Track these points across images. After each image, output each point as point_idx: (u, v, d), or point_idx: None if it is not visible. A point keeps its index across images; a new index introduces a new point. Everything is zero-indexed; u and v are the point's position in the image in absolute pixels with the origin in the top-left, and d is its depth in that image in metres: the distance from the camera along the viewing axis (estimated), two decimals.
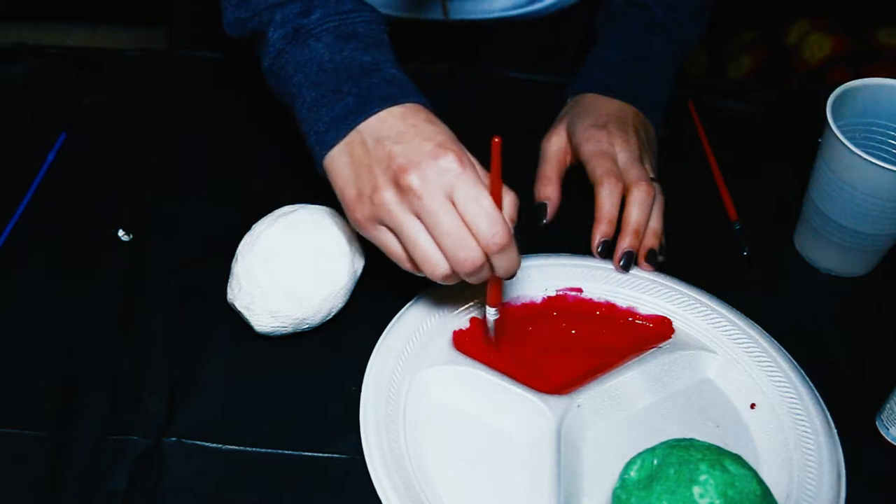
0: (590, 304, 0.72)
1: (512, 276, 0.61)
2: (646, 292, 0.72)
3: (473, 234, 0.57)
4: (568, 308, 0.72)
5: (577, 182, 0.83)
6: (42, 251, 0.75)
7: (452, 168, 0.57)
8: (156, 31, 1.34)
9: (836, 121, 0.71)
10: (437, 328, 0.69)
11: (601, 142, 0.74)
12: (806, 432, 0.63)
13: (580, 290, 0.73)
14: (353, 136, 0.61)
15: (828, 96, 0.72)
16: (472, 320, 0.70)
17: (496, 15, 0.93)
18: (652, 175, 0.75)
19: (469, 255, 0.57)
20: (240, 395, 0.66)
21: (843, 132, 0.70)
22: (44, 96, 0.89)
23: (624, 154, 0.74)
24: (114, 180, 0.81)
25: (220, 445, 0.63)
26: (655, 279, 0.72)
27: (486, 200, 0.57)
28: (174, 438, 0.63)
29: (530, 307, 0.72)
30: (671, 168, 0.81)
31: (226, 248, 0.75)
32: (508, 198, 0.60)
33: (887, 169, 0.68)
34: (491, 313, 0.66)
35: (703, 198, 0.84)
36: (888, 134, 0.76)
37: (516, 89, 0.93)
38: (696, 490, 0.52)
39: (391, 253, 0.61)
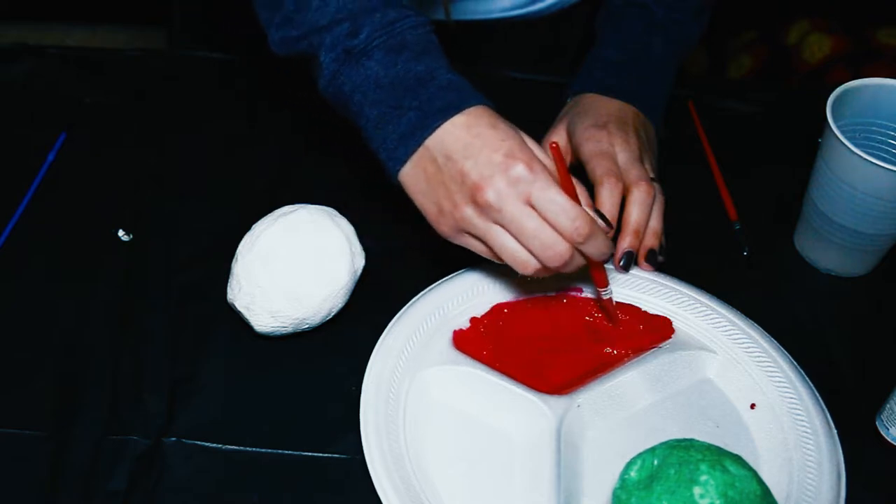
0: (591, 303, 0.72)
1: (607, 259, 0.65)
2: (646, 292, 0.72)
3: (558, 231, 0.60)
4: (569, 308, 0.72)
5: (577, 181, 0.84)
6: (42, 251, 0.75)
7: (524, 176, 0.59)
8: (156, 31, 1.34)
9: (836, 121, 0.71)
10: (437, 328, 0.69)
11: (601, 141, 0.74)
12: (806, 432, 0.63)
13: (580, 290, 0.73)
14: (422, 153, 0.62)
15: (828, 96, 0.72)
16: (472, 320, 0.70)
17: (497, 15, 0.93)
18: (652, 175, 0.75)
19: (557, 252, 0.60)
20: (240, 395, 0.66)
21: (843, 132, 0.70)
22: (44, 96, 0.89)
23: (624, 154, 0.74)
24: (114, 180, 0.81)
25: (220, 445, 0.63)
26: (655, 279, 0.72)
27: (562, 198, 0.59)
28: (174, 438, 0.63)
29: (531, 306, 0.71)
30: (671, 168, 0.81)
31: (226, 248, 0.75)
32: (580, 189, 0.64)
33: (887, 169, 0.68)
34: (605, 293, 0.69)
35: (703, 198, 0.84)
36: (888, 134, 0.76)
37: (516, 89, 0.93)
38: (697, 490, 0.52)
39: (482, 254, 0.64)
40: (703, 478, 0.52)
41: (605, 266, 0.68)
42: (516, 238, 0.60)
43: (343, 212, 0.76)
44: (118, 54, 0.94)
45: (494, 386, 0.65)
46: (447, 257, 0.73)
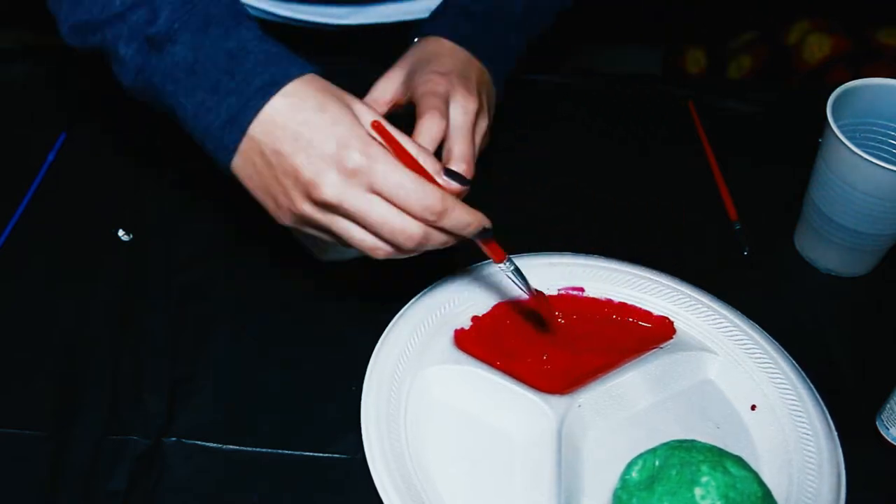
0: (591, 303, 0.72)
1: (476, 230, 0.58)
2: (647, 292, 0.72)
3: (409, 214, 0.55)
4: (569, 307, 0.72)
5: (578, 181, 0.84)
6: (42, 251, 0.75)
7: (361, 166, 0.54)
8: None
9: (836, 121, 0.71)
10: (438, 327, 0.69)
11: (439, 85, 0.66)
12: (806, 434, 0.63)
13: (582, 290, 0.73)
14: (248, 143, 0.57)
15: (828, 96, 0.72)
16: (473, 319, 0.70)
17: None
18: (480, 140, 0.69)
19: (408, 234, 0.55)
20: (240, 395, 0.66)
21: (843, 132, 0.70)
22: (44, 96, 0.89)
23: (459, 107, 0.66)
24: (114, 180, 0.81)
25: (220, 445, 0.63)
26: (656, 279, 0.72)
27: (405, 177, 0.55)
28: (174, 438, 0.63)
29: (532, 306, 0.72)
30: (671, 168, 0.81)
31: (226, 248, 0.76)
32: (424, 157, 0.58)
33: (887, 169, 0.68)
34: (503, 268, 0.63)
35: (703, 198, 0.84)
36: (888, 134, 0.76)
37: (516, 89, 0.93)
38: (698, 491, 0.52)
39: (330, 241, 0.59)
40: (705, 479, 0.52)
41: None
42: (363, 228, 0.56)
43: None
44: None
45: (495, 385, 0.65)
46: (448, 257, 0.73)
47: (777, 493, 0.57)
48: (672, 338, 0.70)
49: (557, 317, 0.71)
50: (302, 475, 0.62)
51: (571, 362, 0.68)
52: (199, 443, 0.63)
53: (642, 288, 0.72)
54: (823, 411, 0.64)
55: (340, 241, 0.58)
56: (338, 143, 0.54)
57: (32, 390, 0.65)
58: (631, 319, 0.72)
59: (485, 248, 0.61)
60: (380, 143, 0.56)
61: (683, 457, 0.54)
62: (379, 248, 0.57)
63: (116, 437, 0.63)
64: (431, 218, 0.55)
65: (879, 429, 0.66)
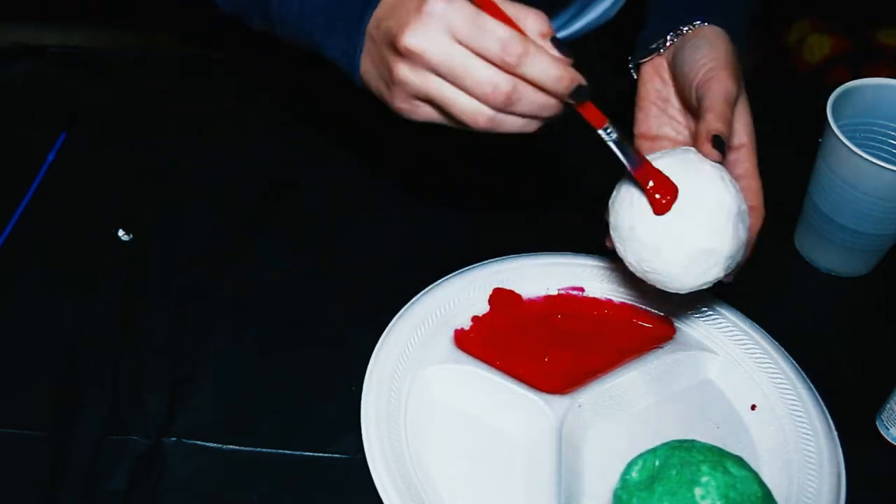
0: (591, 303, 0.72)
1: (567, 86, 0.55)
2: (647, 292, 0.72)
3: (488, 60, 0.53)
4: (569, 307, 0.72)
5: (578, 180, 0.84)
6: (42, 251, 0.75)
7: (438, 10, 0.53)
8: (156, 32, 1.34)
9: (836, 121, 0.71)
10: (438, 327, 0.69)
11: (726, 82, 0.63)
12: (806, 434, 0.63)
13: (582, 290, 0.73)
14: (367, 44, 0.59)
15: (828, 96, 0.72)
16: (473, 319, 0.70)
17: None
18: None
19: (494, 83, 0.54)
20: (240, 395, 0.66)
21: (843, 132, 0.70)
22: (44, 96, 0.89)
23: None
24: (114, 180, 0.81)
25: (220, 445, 0.63)
26: None
27: (483, 19, 0.53)
28: (174, 438, 0.63)
29: (532, 306, 0.72)
30: None
31: (226, 248, 0.76)
32: (530, 17, 0.55)
33: (887, 169, 0.68)
34: (606, 136, 0.57)
35: None
36: (888, 134, 0.76)
37: None
38: (698, 491, 0.52)
39: (443, 122, 0.58)
40: (705, 479, 0.52)
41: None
42: (453, 83, 0.55)
43: (341, 212, 0.76)
44: (118, 54, 0.94)
45: (495, 385, 0.65)
46: (448, 257, 0.73)
47: (777, 493, 0.57)
48: (672, 338, 0.70)
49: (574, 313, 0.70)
50: (302, 475, 0.62)
51: (571, 362, 0.68)
52: (199, 443, 0.63)
53: (642, 287, 0.72)
54: (823, 411, 0.64)
55: (445, 114, 0.56)
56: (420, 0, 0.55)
57: (32, 390, 0.65)
58: (631, 319, 0.72)
59: (581, 112, 0.57)
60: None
61: (683, 457, 0.54)
62: (480, 113, 0.55)
63: (116, 437, 0.63)
64: (510, 59, 0.53)
65: (879, 429, 0.66)
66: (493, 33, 0.53)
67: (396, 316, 0.69)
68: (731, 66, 0.64)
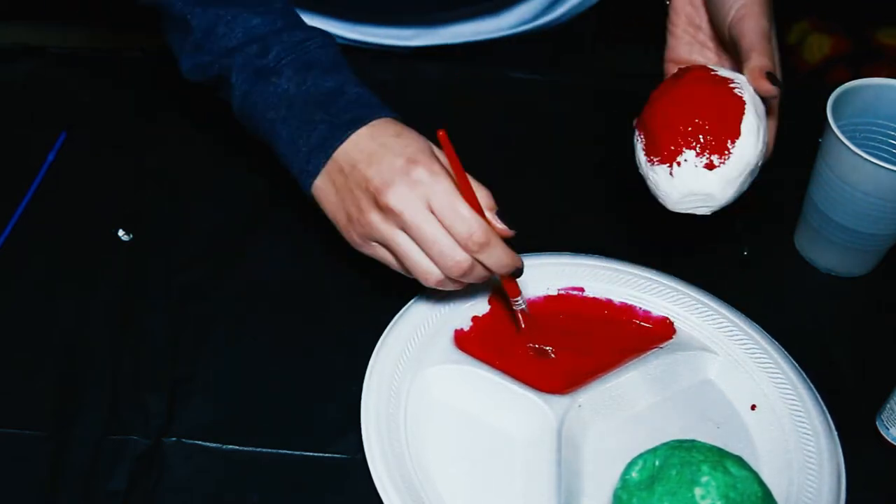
0: (591, 303, 0.72)
1: (510, 271, 0.63)
2: (647, 292, 0.72)
3: (455, 240, 0.60)
4: (569, 307, 0.72)
5: (578, 180, 0.84)
6: (42, 251, 0.75)
7: (424, 180, 0.60)
8: (156, 32, 1.34)
9: (836, 121, 0.71)
10: (439, 327, 0.69)
11: (762, 20, 0.65)
12: (806, 434, 0.63)
13: (582, 290, 0.73)
14: (331, 165, 0.63)
15: (828, 96, 0.72)
16: (474, 319, 0.70)
17: (503, 34, 0.92)
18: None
19: (455, 260, 0.60)
20: (240, 395, 0.66)
21: (843, 132, 0.70)
22: (44, 96, 0.89)
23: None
24: (114, 180, 0.81)
25: (220, 445, 0.63)
26: (656, 279, 0.72)
27: (459, 203, 0.60)
28: (174, 438, 0.63)
29: (532, 306, 0.71)
30: None
31: (226, 248, 0.76)
32: (481, 193, 0.63)
33: (887, 169, 0.68)
34: (516, 304, 0.68)
35: None
36: (888, 134, 0.76)
37: (518, 89, 0.93)
38: (698, 491, 0.52)
39: (390, 265, 0.64)
40: (705, 479, 0.52)
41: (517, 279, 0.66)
42: (418, 245, 0.60)
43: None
44: (118, 54, 0.94)
45: (495, 385, 0.65)
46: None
47: (777, 493, 0.57)
48: (672, 338, 0.70)
49: (554, 320, 0.72)
50: (302, 475, 0.62)
51: (571, 362, 0.68)
52: (199, 443, 0.63)
53: (642, 288, 0.72)
54: (823, 411, 0.64)
55: (401, 263, 0.62)
56: (407, 159, 0.60)
57: (32, 390, 0.65)
58: (631, 320, 0.72)
59: (505, 284, 0.66)
60: (445, 170, 0.61)
61: (683, 457, 0.54)
62: (431, 274, 0.61)
63: (116, 437, 0.63)
64: (473, 248, 0.60)
65: (879, 429, 0.66)
66: (464, 219, 0.60)
67: (396, 316, 0.69)
68: (763, 3, 0.66)
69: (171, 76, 0.92)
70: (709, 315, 0.71)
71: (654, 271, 0.73)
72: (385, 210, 0.60)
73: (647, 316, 0.72)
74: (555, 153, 0.87)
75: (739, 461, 0.55)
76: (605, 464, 0.62)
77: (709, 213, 0.65)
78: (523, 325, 0.69)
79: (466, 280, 0.62)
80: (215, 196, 0.80)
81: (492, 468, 0.62)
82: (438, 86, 0.90)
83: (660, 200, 0.65)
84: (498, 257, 0.61)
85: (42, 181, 0.80)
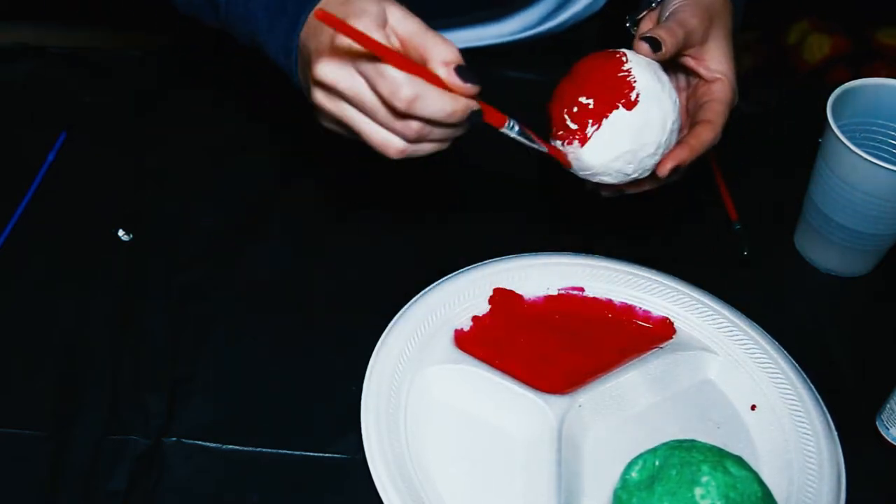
0: (591, 303, 0.72)
1: (462, 117, 0.56)
2: (647, 292, 0.72)
3: (384, 104, 0.55)
4: (569, 307, 0.72)
5: (577, 181, 0.84)
6: (42, 251, 0.75)
7: (345, 44, 0.55)
8: (156, 32, 1.34)
9: (836, 121, 0.71)
10: (438, 327, 0.69)
11: (693, 18, 0.66)
12: (806, 434, 0.63)
13: (582, 290, 0.73)
14: (300, 54, 0.60)
15: (828, 96, 0.72)
16: (474, 319, 0.70)
17: (506, 39, 0.92)
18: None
19: (403, 122, 0.56)
20: (240, 395, 0.66)
21: (843, 132, 0.70)
22: (44, 96, 0.89)
23: (717, 45, 0.69)
24: (114, 180, 0.81)
25: (220, 445, 0.63)
26: (656, 279, 0.72)
27: (383, 66, 0.54)
28: (174, 438, 0.63)
29: (532, 306, 0.72)
30: None
31: (226, 248, 0.76)
32: (440, 48, 0.56)
33: (887, 169, 0.68)
34: (509, 130, 0.61)
35: (703, 198, 0.84)
36: (888, 134, 0.76)
37: (516, 89, 0.93)
38: (698, 491, 0.52)
39: (359, 141, 0.60)
40: (705, 479, 0.52)
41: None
42: (366, 115, 0.57)
43: (341, 212, 0.76)
44: (118, 54, 0.94)
45: (496, 385, 0.65)
46: (448, 257, 0.73)
47: (777, 493, 0.57)
48: (672, 338, 0.70)
49: (555, 317, 0.71)
50: (302, 475, 0.62)
51: (571, 362, 0.68)
52: (199, 443, 0.63)
53: (642, 288, 0.72)
54: (823, 411, 0.64)
55: (360, 137, 0.58)
56: (338, 28, 0.54)
57: (32, 390, 0.65)
58: (631, 320, 0.72)
59: (485, 119, 0.59)
60: (373, 37, 0.54)
61: (683, 457, 0.54)
62: (390, 143, 0.57)
63: (116, 437, 0.63)
64: (402, 106, 0.54)
65: (879, 429, 0.66)
66: (385, 78, 0.54)
67: (396, 316, 0.69)
68: (699, 5, 0.67)
69: (171, 76, 0.93)
70: (709, 315, 0.71)
71: (654, 271, 0.73)
72: (322, 84, 0.57)
73: (647, 316, 0.72)
74: None
75: (739, 461, 0.55)
76: (605, 464, 0.62)
77: (617, 181, 0.65)
78: (536, 143, 0.63)
79: (430, 139, 0.57)
80: (215, 196, 0.80)
81: (492, 468, 0.62)
82: None
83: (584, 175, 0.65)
84: (435, 107, 0.55)
85: (42, 181, 0.80)
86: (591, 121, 0.62)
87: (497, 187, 0.82)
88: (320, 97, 0.58)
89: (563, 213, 0.80)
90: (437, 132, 0.57)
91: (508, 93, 0.92)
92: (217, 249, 0.75)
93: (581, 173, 0.65)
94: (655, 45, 0.64)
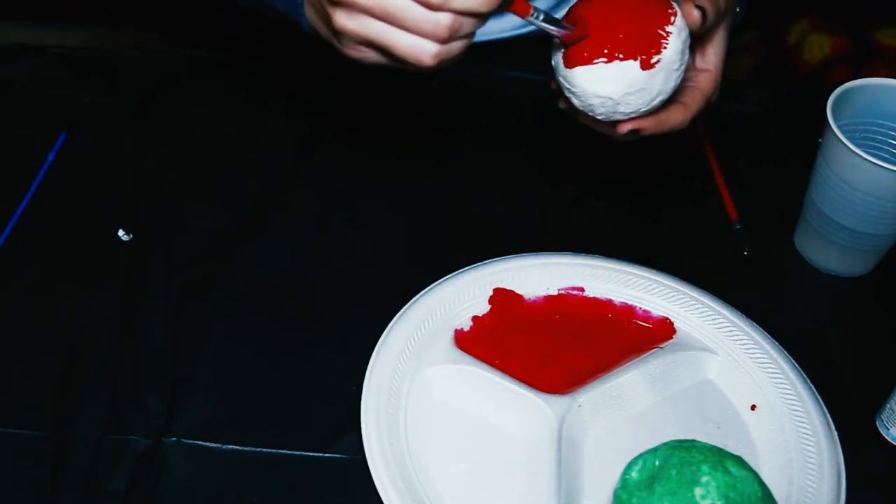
0: (591, 303, 0.72)
1: (495, 4, 0.56)
2: (647, 292, 0.72)
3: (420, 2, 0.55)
4: (569, 307, 0.72)
5: (577, 180, 0.84)
6: (42, 251, 0.75)
7: None
8: (156, 32, 1.34)
9: (836, 121, 0.71)
10: (438, 327, 0.69)
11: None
12: (806, 434, 0.63)
13: (582, 290, 0.73)
14: None
15: (828, 96, 0.72)
16: (474, 319, 0.70)
17: (508, 34, 0.92)
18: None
19: (435, 20, 0.55)
20: (240, 395, 0.66)
21: (843, 132, 0.70)
22: (44, 96, 0.89)
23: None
24: (114, 180, 0.81)
25: (220, 445, 0.63)
26: (656, 279, 0.72)
27: None
28: (174, 438, 0.63)
29: (532, 306, 0.72)
30: (671, 168, 0.81)
31: (226, 248, 0.76)
32: None
33: (887, 169, 0.68)
34: (534, 20, 0.60)
35: (703, 198, 0.84)
36: (888, 134, 0.76)
37: (516, 89, 0.93)
38: (698, 491, 0.52)
39: (388, 62, 0.59)
40: (705, 479, 0.52)
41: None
42: (394, 25, 0.55)
43: (340, 212, 0.76)
44: (118, 54, 0.94)
45: (496, 385, 0.65)
46: (448, 257, 0.73)
47: (777, 493, 0.57)
48: (672, 338, 0.70)
49: (555, 318, 0.71)
50: (302, 475, 0.62)
51: (571, 362, 0.68)
52: (199, 443, 0.63)
53: (642, 288, 0.72)
54: (823, 411, 0.64)
55: (390, 54, 0.57)
56: None
57: (32, 390, 0.65)
58: (631, 320, 0.72)
59: (510, 9, 0.59)
60: None
61: (683, 457, 0.54)
62: (423, 49, 0.56)
63: (116, 437, 0.63)
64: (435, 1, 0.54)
65: (879, 429, 0.66)
66: None
67: (396, 316, 0.69)
68: None
69: (171, 76, 0.93)
70: (709, 315, 0.71)
71: (654, 271, 0.73)
72: (341, 4, 0.56)
73: (647, 316, 0.72)
74: (555, 153, 0.87)
75: (739, 461, 0.55)
76: (605, 464, 0.62)
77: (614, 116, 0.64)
78: (566, 28, 0.61)
79: (463, 34, 0.56)
80: (215, 196, 0.80)
81: (492, 468, 0.62)
82: (439, 86, 0.90)
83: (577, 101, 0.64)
84: None
85: (42, 181, 0.80)
86: (605, 50, 0.61)
87: (497, 187, 0.82)
88: (342, 19, 0.57)
89: (563, 213, 0.80)
90: (467, 25, 0.56)
91: (512, 93, 0.93)
92: (217, 249, 0.75)
93: (559, 76, 0.64)
94: (704, 15, 0.64)
